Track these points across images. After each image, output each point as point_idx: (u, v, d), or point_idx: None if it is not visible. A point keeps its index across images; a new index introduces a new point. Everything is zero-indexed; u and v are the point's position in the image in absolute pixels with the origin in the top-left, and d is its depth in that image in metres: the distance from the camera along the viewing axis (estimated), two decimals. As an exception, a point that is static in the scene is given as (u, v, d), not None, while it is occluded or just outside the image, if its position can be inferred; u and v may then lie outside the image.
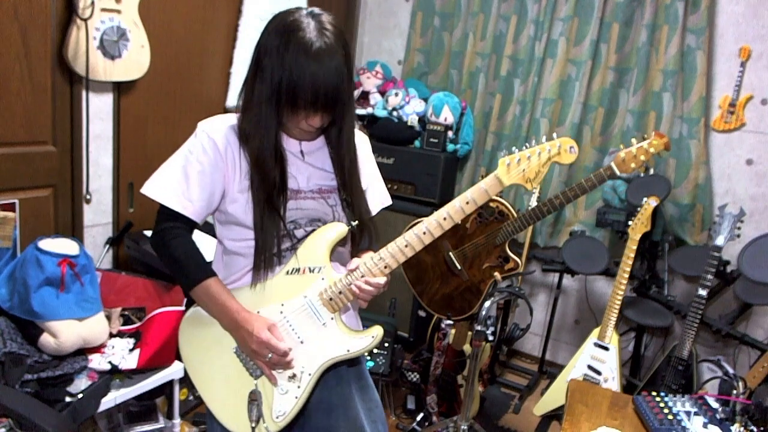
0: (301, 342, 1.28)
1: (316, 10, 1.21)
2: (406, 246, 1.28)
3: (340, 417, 1.33)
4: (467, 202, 1.27)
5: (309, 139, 1.32)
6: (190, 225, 1.28)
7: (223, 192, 1.27)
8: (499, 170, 1.27)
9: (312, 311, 1.27)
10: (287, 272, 1.28)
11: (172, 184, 1.25)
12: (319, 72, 1.14)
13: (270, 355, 1.22)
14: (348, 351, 1.27)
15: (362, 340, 1.28)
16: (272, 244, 1.26)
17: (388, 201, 1.49)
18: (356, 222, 1.33)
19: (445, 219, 1.27)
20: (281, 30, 1.17)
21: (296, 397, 1.27)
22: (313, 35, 1.15)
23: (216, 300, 1.24)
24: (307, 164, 1.32)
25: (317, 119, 1.21)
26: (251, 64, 1.24)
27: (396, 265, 1.28)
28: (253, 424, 1.25)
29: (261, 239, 1.25)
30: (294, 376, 1.27)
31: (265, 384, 1.28)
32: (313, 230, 1.29)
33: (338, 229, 1.29)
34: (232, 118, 1.30)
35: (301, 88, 1.15)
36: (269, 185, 1.24)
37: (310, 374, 1.27)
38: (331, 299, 1.27)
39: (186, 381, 1.93)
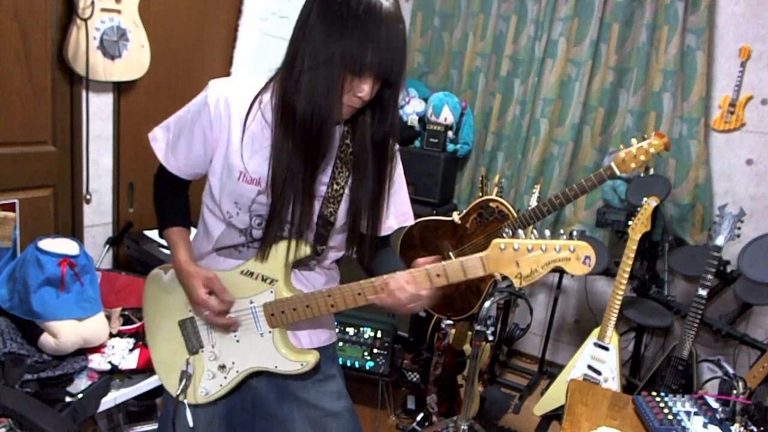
0: (237, 340, 1.29)
1: None
2: (358, 294, 1.19)
3: (293, 407, 1.32)
4: (438, 275, 1.14)
5: (345, 117, 1.17)
6: (176, 178, 1.31)
7: (209, 159, 1.24)
8: (489, 251, 1.08)
9: (254, 318, 1.27)
10: (241, 272, 1.26)
11: (168, 136, 1.29)
12: (389, 32, 1.05)
13: (206, 313, 1.26)
14: (276, 367, 1.27)
15: (290, 363, 1.25)
16: (232, 235, 1.26)
17: (408, 220, 1.37)
18: (323, 248, 1.25)
19: (407, 282, 1.14)
20: None
21: (221, 386, 1.31)
22: None
23: (172, 249, 1.31)
24: None
25: (368, 87, 1.09)
26: (298, 26, 1.11)
27: (344, 308, 1.20)
28: (179, 391, 1.30)
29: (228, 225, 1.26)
30: (224, 366, 1.31)
31: (197, 362, 1.32)
32: (276, 234, 1.21)
33: (301, 250, 1.22)
34: (251, 82, 1.21)
35: (370, 46, 1.04)
36: (305, 154, 1.13)
37: (237, 371, 1.30)
38: (272, 315, 1.25)
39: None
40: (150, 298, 1.42)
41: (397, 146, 1.31)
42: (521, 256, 1.08)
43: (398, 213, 1.36)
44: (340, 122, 1.19)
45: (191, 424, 1.32)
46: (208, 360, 1.32)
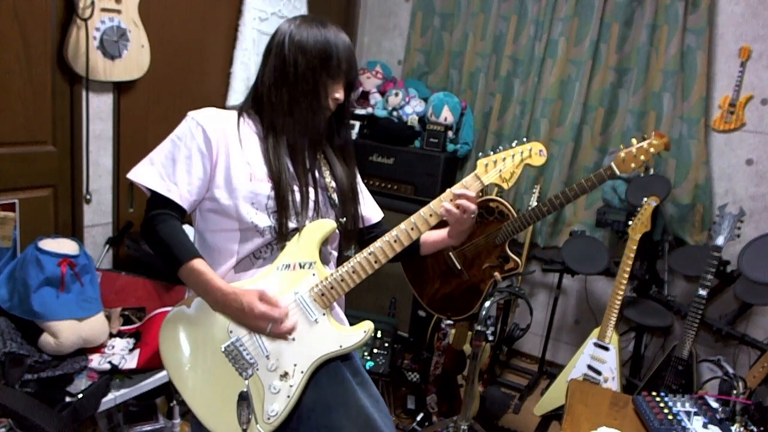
0: (293, 339, 1.26)
1: None
2: (395, 241, 1.32)
3: (342, 415, 1.31)
4: (451, 200, 1.36)
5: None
6: (178, 211, 1.27)
7: (210, 178, 1.29)
8: (479, 170, 1.39)
9: (303, 308, 1.27)
10: (278, 268, 1.28)
11: (157, 168, 1.28)
12: (345, 41, 1.35)
13: (270, 326, 1.21)
14: (341, 347, 1.27)
15: (354, 335, 1.29)
16: (254, 239, 1.29)
17: (381, 213, 1.58)
18: (344, 219, 1.38)
19: (431, 216, 1.36)
20: (300, 22, 1.36)
21: (288, 396, 1.24)
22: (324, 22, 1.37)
23: (201, 279, 1.22)
24: None
25: (342, 90, 1.34)
26: (270, 58, 1.35)
27: (385, 259, 1.33)
28: (244, 426, 1.20)
29: (245, 232, 1.30)
30: (286, 374, 1.25)
31: (255, 384, 1.25)
32: (295, 227, 1.31)
33: (328, 225, 1.32)
34: (227, 111, 1.37)
35: (337, 53, 1.31)
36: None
37: (302, 372, 1.25)
38: (322, 294, 1.28)
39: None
40: (175, 342, 1.29)
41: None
42: (500, 165, 1.40)
43: (375, 205, 1.57)
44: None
45: None
46: (268, 373, 1.25)
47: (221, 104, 2.73)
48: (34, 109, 2.01)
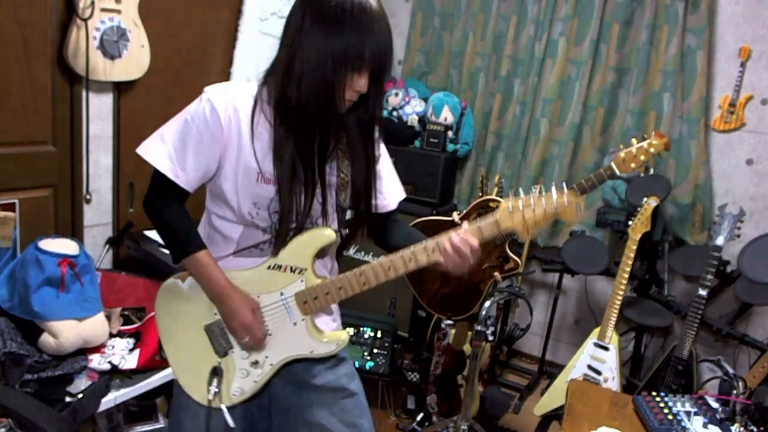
0: (270, 334, 1.32)
1: None
2: (389, 269, 1.26)
3: (311, 393, 1.37)
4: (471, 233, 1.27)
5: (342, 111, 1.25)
6: (182, 194, 1.27)
7: (219, 164, 1.25)
8: (500, 214, 1.23)
9: (285, 309, 1.31)
10: (269, 267, 1.29)
11: (168, 148, 1.23)
12: (381, 29, 1.14)
13: (248, 338, 1.28)
14: (311, 352, 1.32)
15: (327, 345, 1.33)
16: (255, 235, 1.29)
17: (403, 194, 1.50)
18: (346, 229, 1.35)
19: (433, 251, 1.27)
20: None
21: (255, 382, 1.33)
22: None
23: (204, 272, 1.27)
24: None
25: (365, 81, 1.17)
26: (292, 30, 1.17)
27: (375, 283, 1.27)
28: (210, 397, 1.30)
29: (246, 228, 1.29)
30: (257, 362, 1.33)
31: (228, 363, 1.33)
32: (295, 227, 1.27)
33: (328, 237, 1.28)
34: (246, 87, 1.26)
35: (367, 44, 1.12)
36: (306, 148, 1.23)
37: (272, 365, 1.33)
38: (305, 302, 1.30)
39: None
40: (166, 308, 1.38)
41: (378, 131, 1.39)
42: (528, 213, 1.22)
43: (397, 188, 1.48)
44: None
45: (232, 425, 1.31)
46: (240, 359, 1.33)
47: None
48: (34, 109, 2.01)
